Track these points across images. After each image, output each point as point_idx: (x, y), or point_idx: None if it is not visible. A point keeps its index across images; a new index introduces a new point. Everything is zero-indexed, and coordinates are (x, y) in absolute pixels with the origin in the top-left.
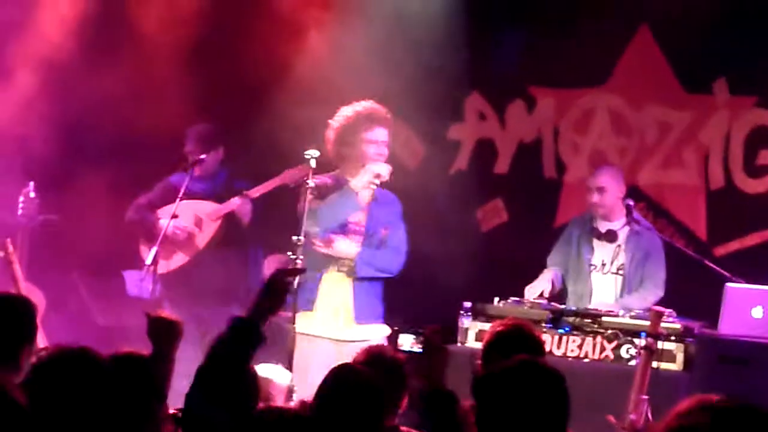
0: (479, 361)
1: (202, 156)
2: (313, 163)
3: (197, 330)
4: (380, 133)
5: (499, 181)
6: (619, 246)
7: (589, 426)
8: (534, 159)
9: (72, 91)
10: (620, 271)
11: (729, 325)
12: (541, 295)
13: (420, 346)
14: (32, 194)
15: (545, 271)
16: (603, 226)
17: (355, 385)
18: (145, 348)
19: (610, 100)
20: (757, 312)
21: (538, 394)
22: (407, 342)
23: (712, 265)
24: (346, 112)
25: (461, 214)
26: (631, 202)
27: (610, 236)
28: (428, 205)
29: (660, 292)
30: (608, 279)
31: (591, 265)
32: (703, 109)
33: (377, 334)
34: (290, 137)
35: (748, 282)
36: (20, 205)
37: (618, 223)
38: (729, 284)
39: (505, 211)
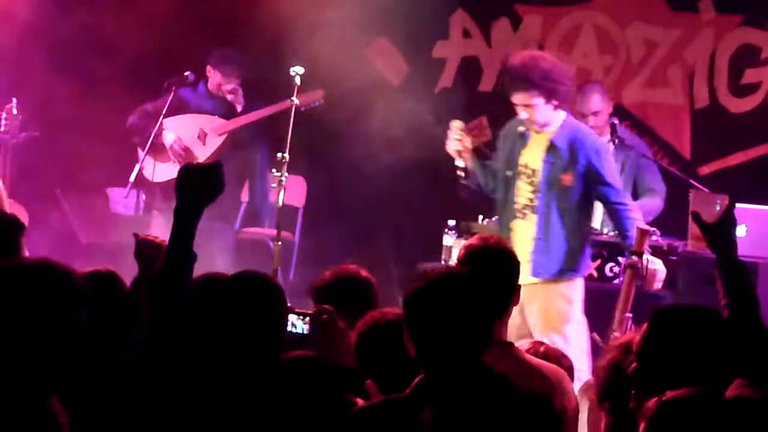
0: None
1: (187, 73)
2: (297, 80)
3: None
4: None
5: (483, 98)
6: None
7: None
8: None
9: (56, 10)
10: None
11: None
12: None
13: (310, 326)
14: (15, 111)
15: None
16: None
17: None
18: (126, 266)
19: (596, 18)
20: (740, 231)
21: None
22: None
23: (696, 183)
24: None
25: (446, 132)
26: (616, 121)
27: None
28: (412, 123)
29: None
30: None
31: None
32: (689, 27)
33: None
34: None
35: None
36: (3, 122)
37: (604, 139)
38: None
39: (490, 129)
